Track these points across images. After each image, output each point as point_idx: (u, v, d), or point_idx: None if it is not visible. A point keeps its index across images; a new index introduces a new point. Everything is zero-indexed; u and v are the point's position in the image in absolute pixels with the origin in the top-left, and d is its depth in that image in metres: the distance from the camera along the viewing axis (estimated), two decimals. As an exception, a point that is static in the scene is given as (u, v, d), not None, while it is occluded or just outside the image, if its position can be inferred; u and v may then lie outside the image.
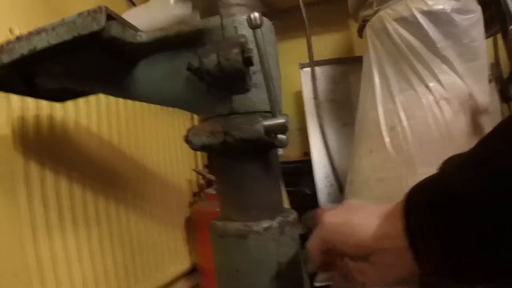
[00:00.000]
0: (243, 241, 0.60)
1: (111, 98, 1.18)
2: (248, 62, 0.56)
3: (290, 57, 1.93)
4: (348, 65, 1.90)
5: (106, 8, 0.62)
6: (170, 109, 1.49)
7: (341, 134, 1.80)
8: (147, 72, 0.68)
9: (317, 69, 1.82)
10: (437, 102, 0.99)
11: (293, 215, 0.66)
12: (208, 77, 0.58)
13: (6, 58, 0.66)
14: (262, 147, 0.61)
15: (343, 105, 1.85)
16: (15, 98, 0.90)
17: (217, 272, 0.66)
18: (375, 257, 0.44)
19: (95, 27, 0.61)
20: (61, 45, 0.63)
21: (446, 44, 1.02)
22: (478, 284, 0.39)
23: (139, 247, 1.28)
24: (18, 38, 0.67)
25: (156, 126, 1.47)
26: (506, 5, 1.04)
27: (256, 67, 0.59)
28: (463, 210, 0.34)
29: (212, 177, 1.53)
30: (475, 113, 1.00)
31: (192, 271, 1.60)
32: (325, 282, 0.57)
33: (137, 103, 1.27)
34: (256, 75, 0.60)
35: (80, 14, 0.63)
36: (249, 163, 0.62)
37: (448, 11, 1.02)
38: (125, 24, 0.66)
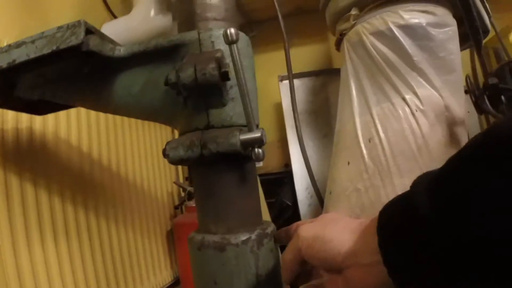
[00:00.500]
0: (221, 253, 0.60)
1: (91, 111, 1.18)
2: (224, 76, 0.57)
3: (269, 69, 1.95)
4: (327, 77, 1.93)
5: (85, 22, 0.63)
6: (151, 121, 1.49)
7: (321, 145, 1.82)
8: (125, 85, 0.69)
9: (296, 81, 1.84)
10: (413, 114, 1.01)
11: (271, 227, 0.67)
12: (185, 91, 0.59)
13: (-16, 70, 0.66)
14: (238, 160, 0.62)
15: (323, 116, 1.87)
16: (-7, 111, 0.90)
17: (195, 284, 0.66)
18: (347, 272, 0.45)
19: (74, 41, 0.62)
20: (40, 58, 0.64)
21: (422, 57, 1.04)
22: None
23: (120, 259, 1.27)
24: (-3, 50, 0.68)
25: (137, 139, 1.48)
26: (480, 18, 1.07)
27: (232, 82, 0.60)
28: (424, 231, 0.35)
29: (192, 189, 1.53)
30: (451, 125, 1.02)
31: (175, 283, 1.60)
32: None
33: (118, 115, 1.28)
34: (232, 89, 0.61)
35: (59, 28, 0.64)
36: (225, 175, 0.63)
37: (424, 25, 1.04)
38: (104, 38, 0.66)
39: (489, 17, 1.20)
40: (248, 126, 0.57)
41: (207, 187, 0.64)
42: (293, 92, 1.13)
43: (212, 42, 0.62)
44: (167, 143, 0.61)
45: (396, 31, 1.05)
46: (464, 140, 1.04)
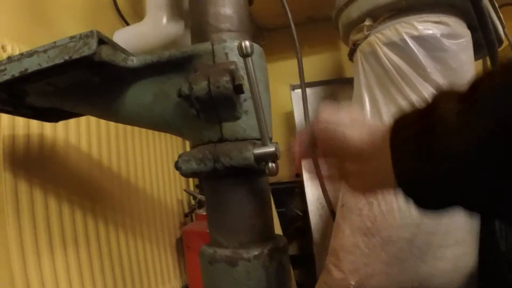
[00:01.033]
0: (232, 268, 0.60)
1: (102, 118, 1.18)
2: (238, 89, 0.56)
3: (281, 77, 1.94)
4: (338, 86, 1.92)
5: (98, 32, 0.62)
6: (161, 130, 1.49)
7: (333, 155, 1.81)
8: (136, 96, 0.68)
9: (308, 90, 1.83)
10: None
11: (283, 242, 0.66)
12: (198, 103, 0.58)
13: (-3, 79, 0.66)
14: (251, 174, 0.61)
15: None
16: (5, 117, 0.90)
17: (206, 298, 0.65)
18: (351, 166, 0.48)
19: (86, 52, 0.61)
20: (52, 67, 0.63)
21: (436, 68, 1.03)
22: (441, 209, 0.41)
23: (129, 267, 1.26)
24: (10, 59, 0.67)
25: (147, 146, 1.47)
26: (495, 29, 1.05)
27: (246, 94, 0.59)
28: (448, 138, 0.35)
29: (203, 197, 1.52)
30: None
31: (183, 292, 1.59)
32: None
33: (128, 124, 1.27)
34: (246, 102, 0.60)
35: (71, 38, 0.63)
36: (238, 189, 0.62)
37: (438, 36, 1.04)
38: (116, 48, 0.66)
39: (503, 28, 1.18)
40: (262, 140, 0.56)
41: (219, 201, 0.63)
42: (305, 101, 1.13)
43: (226, 53, 0.61)
44: (180, 155, 0.60)
45: (410, 42, 1.04)
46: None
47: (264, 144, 0.56)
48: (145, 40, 1.34)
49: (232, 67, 0.58)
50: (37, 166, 0.96)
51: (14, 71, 0.66)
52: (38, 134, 0.98)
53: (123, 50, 0.67)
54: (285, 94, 2.00)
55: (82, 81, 0.70)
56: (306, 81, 1.13)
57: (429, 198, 0.39)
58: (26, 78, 0.66)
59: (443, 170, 0.35)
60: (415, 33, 1.04)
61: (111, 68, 0.64)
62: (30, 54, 0.66)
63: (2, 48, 0.92)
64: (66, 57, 0.62)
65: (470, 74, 1.07)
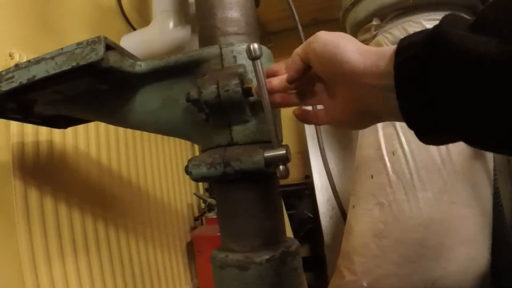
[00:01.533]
0: (244, 272, 0.59)
1: (111, 124, 1.18)
2: (247, 92, 0.56)
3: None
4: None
5: (105, 38, 0.62)
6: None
7: (342, 157, 1.80)
8: (144, 102, 0.68)
9: (317, 92, 1.82)
10: (437, 125, 0.99)
11: (295, 245, 0.65)
12: (207, 108, 0.58)
13: (5, 87, 0.66)
14: (262, 178, 0.61)
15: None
16: (14, 124, 0.90)
17: (218, 303, 0.65)
18: (343, 88, 0.47)
19: (94, 58, 0.61)
20: (60, 74, 0.63)
21: (444, 67, 1.02)
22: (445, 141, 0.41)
23: (140, 273, 1.26)
24: (17, 66, 0.67)
25: (156, 150, 1.47)
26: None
27: (255, 97, 0.59)
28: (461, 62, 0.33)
29: (213, 201, 1.52)
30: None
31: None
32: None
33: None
34: (255, 105, 0.60)
35: (78, 44, 0.63)
36: (249, 193, 0.61)
37: (446, 34, 1.03)
38: (124, 53, 0.66)
39: None
40: (272, 143, 0.55)
41: (230, 205, 0.63)
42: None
43: (234, 57, 0.61)
44: (189, 160, 0.60)
45: (418, 41, 1.03)
46: (488, 153, 1.01)
47: (274, 147, 0.55)
48: (152, 45, 1.34)
49: (241, 70, 0.57)
50: (46, 173, 0.97)
51: (22, 78, 0.66)
52: (47, 140, 0.98)
53: (130, 56, 0.67)
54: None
55: (89, 87, 0.70)
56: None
57: (432, 121, 0.38)
58: (34, 86, 0.66)
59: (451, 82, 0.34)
60: (423, 32, 1.03)
61: (119, 74, 0.64)
62: (37, 61, 0.65)
63: (10, 56, 0.92)
64: (74, 64, 0.62)
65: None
